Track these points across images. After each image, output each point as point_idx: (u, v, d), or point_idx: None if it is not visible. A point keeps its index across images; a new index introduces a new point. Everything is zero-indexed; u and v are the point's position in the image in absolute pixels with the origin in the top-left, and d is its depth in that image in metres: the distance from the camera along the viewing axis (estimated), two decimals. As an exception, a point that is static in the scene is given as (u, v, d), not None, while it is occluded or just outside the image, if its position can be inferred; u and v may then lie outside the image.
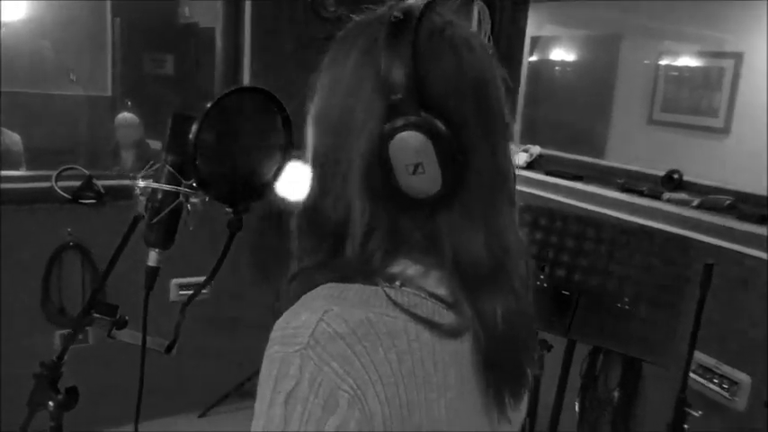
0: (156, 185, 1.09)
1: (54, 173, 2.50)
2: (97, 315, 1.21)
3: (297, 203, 0.68)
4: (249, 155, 1.08)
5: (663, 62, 4.24)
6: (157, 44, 4.93)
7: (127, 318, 1.22)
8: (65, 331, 2.56)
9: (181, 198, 1.09)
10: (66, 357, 1.25)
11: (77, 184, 2.52)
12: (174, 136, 1.09)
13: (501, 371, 0.65)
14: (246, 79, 2.81)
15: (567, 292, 1.75)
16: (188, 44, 4.87)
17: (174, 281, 2.69)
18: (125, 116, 3.87)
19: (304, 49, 2.82)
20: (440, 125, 0.60)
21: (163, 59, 4.97)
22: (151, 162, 1.14)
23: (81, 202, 2.50)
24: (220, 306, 2.70)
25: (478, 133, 0.63)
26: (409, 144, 0.60)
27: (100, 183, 2.56)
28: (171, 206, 1.08)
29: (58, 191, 2.47)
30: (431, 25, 0.62)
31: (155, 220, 1.09)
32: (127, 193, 2.59)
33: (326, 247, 0.65)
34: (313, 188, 0.67)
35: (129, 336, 1.21)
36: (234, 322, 2.87)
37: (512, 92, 0.68)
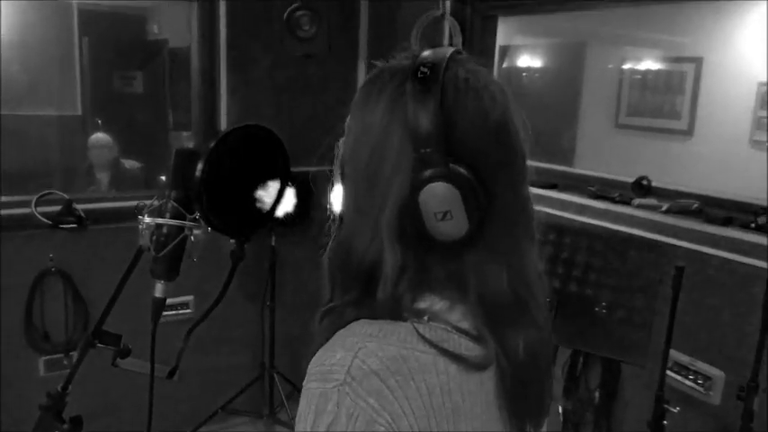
0: (161, 221, 1.13)
1: (33, 198, 2.49)
2: (101, 345, 1.23)
3: (328, 244, 0.72)
4: (250, 187, 1.15)
5: (626, 67, 4.38)
6: (126, 62, 4.90)
7: (130, 346, 1.25)
8: (49, 357, 2.56)
9: (186, 231, 1.14)
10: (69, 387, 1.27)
11: (57, 208, 2.52)
12: (177, 172, 1.13)
13: (524, 400, 0.70)
14: (223, 97, 2.85)
15: (546, 299, 1.83)
16: (157, 61, 4.85)
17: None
18: (98, 137, 3.84)
19: (280, 68, 2.88)
20: (466, 174, 0.64)
21: (132, 77, 4.94)
22: (153, 198, 1.16)
23: (62, 227, 2.50)
24: (205, 325, 2.72)
25: (502, 176, 0.67)
26: (438, 194, 0.64)
27: (80, 207, 2.55)
28: (176, 240, 1.13)
29: (39, 216, 2.47)
30: (455, 77, 0.66)
31: (161, 254, 1.12)
32: (108, 216, 2.63)
33: (358, 285, 0.68)
34: (346, 229, 0.70)
35: (131, 364, 1.24)
36: (219, 341, 2.89)
37: (528, 130, 0.72)
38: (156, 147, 4.67)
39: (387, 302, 0.66)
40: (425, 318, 0.66)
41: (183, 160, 1.11)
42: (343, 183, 0.72)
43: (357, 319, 0.66)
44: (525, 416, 0.71)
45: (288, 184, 1.23)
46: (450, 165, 0.63)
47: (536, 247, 0.72)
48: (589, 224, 2.22)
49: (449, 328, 0.66)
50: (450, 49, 0.68)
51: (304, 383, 0.63)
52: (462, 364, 0.64)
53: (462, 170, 0.64)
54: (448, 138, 0.63)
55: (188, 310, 2.76)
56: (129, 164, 3.91)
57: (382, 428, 0.59)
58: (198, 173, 1.06)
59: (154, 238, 1.14)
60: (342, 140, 0.72)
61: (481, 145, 0.65)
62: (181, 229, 1.14)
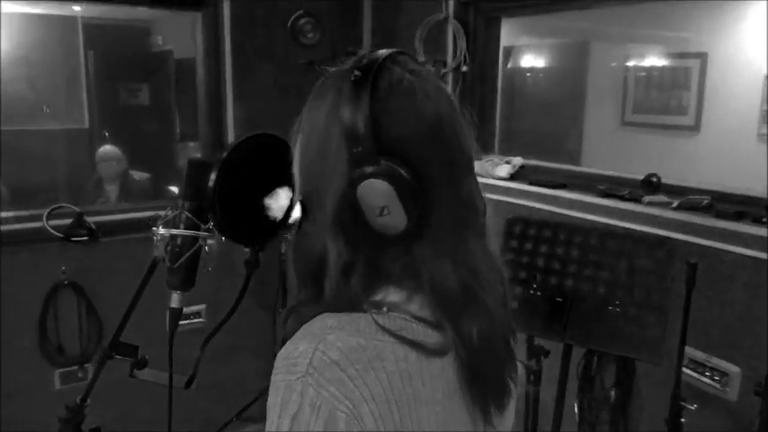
0: (176, 232, 1.14)
1: (44, 212, 2.51)
2: (119, 356, 1.24)
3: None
4: (263, 196, 1.15)
5: (630, 64, 4.38)
6: (132, 74, 4.93)
7: (147, 357, 1.26)
8: (64, 370, 2.57)
9: (200, 242, 1.16)
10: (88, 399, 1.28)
11: (67, 221, 2.54)
12: (190, 182, 1.15)
13: (483, 384, 0.72)
14: (229, 106, 2.86)
15: (560, 299, 1.82)
16: (163, 73, 4.88)
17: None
18: (106, 149, 3.86)
19: (285, 75, 2.90)
20: (399, 171, 0.66)
21: (138, 89, 4.97)
22: (167, 209, 1.18)
23: (73, 240, 2.52)
24: (218, 335, 2.71)
25: (440, 172, 0.69)
26: (373, 190, 0.66)
27: (90, 219, 2.58)
28: (191, 250, 1.14)
29: (50, 230, 2.49)
30: (389, 78, 0.68)
31: (176, 265, 1.14)
32: (118, 227, 2.65)
33: (313, 282, 0.71)
34: (300, 228, 0.73)
35: (149, 375, 1.25)
36: (232, 350, 2.89)
37: (479, 124, 0.75)
38: (164, 158, 4.73)
39: (339, 297, 0.68)
40: (384, 309, 0.68)
41: (196, 171, 1.13)
42: (297, 183, 0.75)
43: (319, 314, 0.68)
44: (487, 398, 0.73)
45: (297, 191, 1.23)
46: (383, 162, 0.65)
47: (486, 239, 0.74)
48: (599, 222, 2.21)
49: (408, 318, 0.68)
50: (389, 51, 0.70)
51: (272, 376, 0.65)
52: (421, 350, 0.67)
53: (395, 166, 0.66)
54: (379, 136, 0.66)
55: (201, 320, 2.79)
56: (138, 175, 3.94)
57: (344, 415, 0.61)
58: (211, 183, 1.08)
59: (168, 248, 1.15)
60: (295, 142, 0.75)
61: (415, 142, 0.67)
62: (195, 239, 1.15)
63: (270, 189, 1.19)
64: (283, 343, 0.67)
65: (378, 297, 0.70)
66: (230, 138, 2.89)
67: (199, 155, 3.21)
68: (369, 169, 0.66)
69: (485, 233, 0.74)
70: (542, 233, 1.93)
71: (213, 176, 1.07)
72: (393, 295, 0.70)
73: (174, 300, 1.18)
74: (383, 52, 0.70)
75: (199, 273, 1.25)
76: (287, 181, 1.19)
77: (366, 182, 0.66)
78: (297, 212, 0.74)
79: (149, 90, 4.96)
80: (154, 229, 1.17)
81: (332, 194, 0.68)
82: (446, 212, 0.69)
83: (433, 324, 0.69)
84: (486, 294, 0.71)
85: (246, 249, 1.23)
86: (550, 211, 2.35)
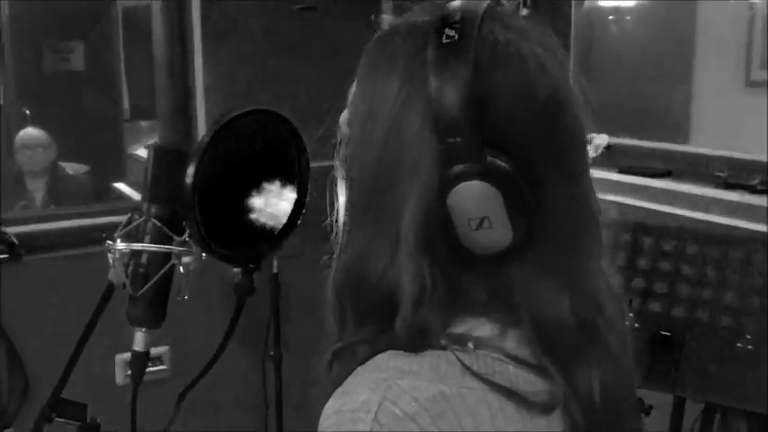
0: (140, 247, 1.16)
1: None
2: (61, 419, 1.25)
3: (331, 264, 0.77)
4: (258, 197, 1.18)
5: (757, 0, 4.32)
6: (61, 29, 4.91)
7: (99, 420, 1.28)
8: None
9: (173, 260, 1.17)
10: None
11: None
12: (157, 179, 1.17)
13: None
14: (199, 72, 2.87)
15: (666, 333, 1.82)
16: (104, 27, 4.88)
17: (120, 357, 2.69)
18: (28, 134, 3.88)
19: (273, 29, 2.89)
20: (508, 169, 0.67)
21: (69, 50, 4.97)
22: (129, 215, 1.19)
23: (-12, 259, 2.53)
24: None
25: (555, 169, 0.71)
26: (472, 196, 0.67)
27: (9, 230, 2.58)
28: (161, 272, 1.15)
29: (-42, 247, 2.49)
30: (492, 40, 0.69)
31: (141, 292, 1.15)
32: (48, 241, 2.65)
33: (375, 317, 0.72)
34: (351, 247, 0.75)
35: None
36: (209, 405, 2.89)
37: (591, 105, 0.76)
38: (108, 144, 4.74)
39: (409, 332, 0.69)
40: (470, 345, 0.70)
41: (165, 162, 1.16)
42: (348, 181, 0.76)
43: (379, 352, 0.70)
44: None
45: (307, 192, 1.28)
46: (488, 158, 0.66)
47: (604, 255, 0.76)
48: (719, 225, 2.20)
49: (502, 357, 0.70)
50: (485, 1, 0.71)
51: None
52: (521, 403, 0.68)
53: (503, 164, 0.67)
54: (483, 122, 0.66)
55: (162, 366, 2.79)
56: (73, 168, 3.97)
57: None
58: (188, 179, 1.07)
59: (130, 270, 1.16)
60: (344, 120, 0.77)
61: (528, 130, 0.69)
62: (166, 256, 1.17)
63: (267, 187, 1.22)
64: (329, 394, 0.68)
65: (460, 329, 0.72)
66: (200, 115, 2.89)
67: (157, 139, 3.22)
68: (468, 167, 0.67)
69: (602, 249, 0.76)
70: (639, 241, 1.92)
71: (191, 170, 1.07)
72: (481, 328, 0.72)
73: (139, 341, 1.20)
74: (477, 2, 0.71)
75: (171, 302, 1.26)
76: (289, 175, 1.25)
77: (463, 185, 0.67)
78: (343, 223, 0.76)
79: (85, 51, 4.92)
80: (109, 243, 1.17)
81: (410, 199, 0.69)
82: (558, 221, 0.71)
83: (536, 368, 0.70)
84: (609, 332, 0.73)
85: (236, 269, 1.25)
86: (648, 210, 2.35)
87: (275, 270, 2.84)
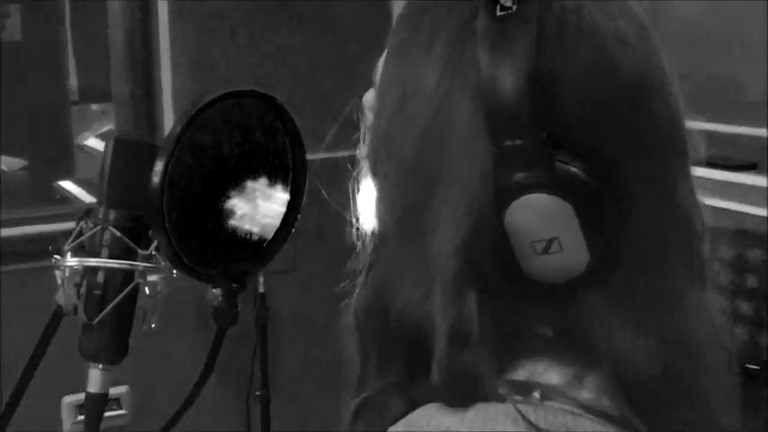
0: (95, 263, 1.16)
1: None
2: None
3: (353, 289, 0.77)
4: (242, 199, 1.17)
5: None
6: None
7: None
8: None
9: (136, 279, 1.17)
10: None
11: None
12: (117, 179, 1.16)
13: None
14: (164, 42, 2.86)
15: (755, 367, 1.86)
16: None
17: (68, 399, 2.70)
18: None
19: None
20: (584, 177, 0.65)
21: (3, 15, 4.99)
22: (80, 223, 1.19)
23: None
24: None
25: (643, 176, 0.69)
26: (538, 212, 0.65)
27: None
28: (122, 294, 1.15)
29: None
30: (559, 9, 0.67)
31: (98, 318, 1.15)
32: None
33: (406, 357, 0.72)
34: (384, 265, 0.74)
35: None
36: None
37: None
38: (51, 132, 4.69)
39: (455, 377, 0.68)
40: (536, 395, 0.68)
41: (128, 158, 1.13)
42: (376, 182, 0.76)
43: (412, 409, 0.69)
44: None
45: (303, 192, 1.27)
46: (556, 162, 0.65)
47: (708, 287, 0.75)
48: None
49: (575, 410, 0.68)
50: None
51: None
52: None
53: (575, 170, 0.65)
54: (550, 115, 0.65)
55: (120, 411, 2.80)
56: (6, 163, 4.05)
57: None
58: (156, 179, 1.05)
59: (83, 291, 1.16)
60: (369, 104, 0.77)
61: (607, 124, 0.68)
62: (128, 274, 1.17)
63: (253, 187, 1.20)
64: None
65: (521, 376, 0.71)
66: (167, 98, 2.89)
67: (112, 126, 3.32)
68: (532, 176, 0.65)
69: (705, 276, 0.75)
70: (723, 250, 1.97)
71: (159, 167, 1.05)
72: (547, 374, 0.71)
73: (94, 379, 1.18)
74: None
75: (134, 332, 1.26)
76: (281, 172, 1.23)
77: (526, 198, 0.65)
78: (366, 240, 0.76)
79: (22, 17, 4.96)
80: (56, 258, 1.17)
81: (452, 215, 0.67)
82: (646, 242, 0.70)
83: (619, 422, 0.69)
84: (708, 383, 0.72)
85: (215, 290, 1.23)
86: (729, 210, 2.33)
87: (262, 289, 2.82)
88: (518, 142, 0.65)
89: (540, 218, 0.66)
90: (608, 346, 0.69)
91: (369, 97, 0.79)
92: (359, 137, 0.80)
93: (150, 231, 1.19)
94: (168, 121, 2.77)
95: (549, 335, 0.71)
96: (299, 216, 1.27)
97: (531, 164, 0.65)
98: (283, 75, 2.97)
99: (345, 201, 0.83)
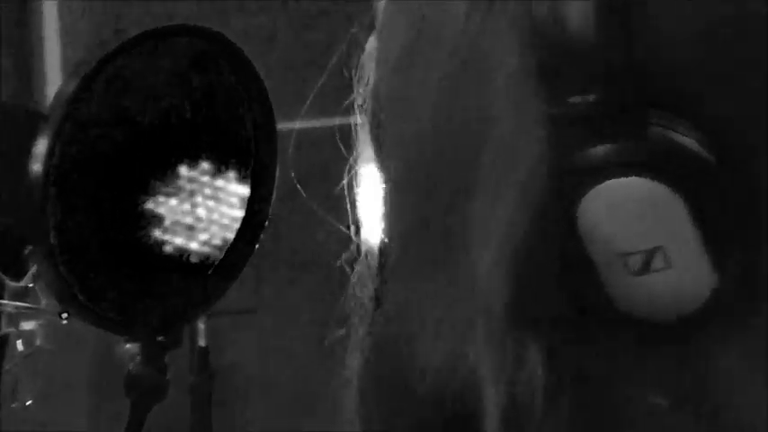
0: None
1: None
2: None
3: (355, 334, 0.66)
4: (176, 199, 1.03)
5: None
6: None
7: None
8: None
9: (3, 326, 1.14)
10: None
11: None
12: None
13: None
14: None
15: None
16: None
17: None
18: None
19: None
20: (702, 155, 0.52)
21: None
22: None
23: None
24: None
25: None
26: (631, 208, 0.52)
27: None
28: None
29: None
30: None
31: None
32: None
33: None
34: (386, 314, 0.63)
35: None
36: None
37: None
38: None
39: None
40: None
41: None
42: (381, 168, 0.63)
43: None
44: None
45: (272, 184, 1.08)
46: (655, 128, 0.51)
47: None
48: None
49: None
50: None
51: None
52: None
53: (688, 142, 0.51)
54: (640, 64, 0.52)
55: None
56: None
57: None
58: (37, 166, 0.90)
59: None
60: (370, 56, 0.65)
61: (724, 68, 0.54)
62: None
63: (193, 180, 1.03)
64: None
65: None
66: (52, 52, 2.61)
67: None
68: (617, 150, 0.51)
69: None
70: None
71: (42, 148, 0.89)
72: None
73: None
74: None
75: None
76: (237, 156, 1.07)
77: (610, 185, 0.51)
78: (374, 257, 0.64)
79: None
80: None
81: (494, 217, 0.54)
82: None
83: None
84: None
85: (129, 345, 1.05)
86: None
87: (203, 343, 2.41)
88: (591, 94, 0.52)
89: (633, 217, 0.53)
90: (740, 408, 0.56)
91: (369, 45, 0.67)
92: (353, 101, 0.65)
93: (25, 249, 1.05)
94: (53, 81, 2.62)
95: (663, 405, 0.57)
96: (265, 223, 1.04)
97: (615, 130, 0.52)
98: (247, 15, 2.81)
99: (335, 201, 0.67)
